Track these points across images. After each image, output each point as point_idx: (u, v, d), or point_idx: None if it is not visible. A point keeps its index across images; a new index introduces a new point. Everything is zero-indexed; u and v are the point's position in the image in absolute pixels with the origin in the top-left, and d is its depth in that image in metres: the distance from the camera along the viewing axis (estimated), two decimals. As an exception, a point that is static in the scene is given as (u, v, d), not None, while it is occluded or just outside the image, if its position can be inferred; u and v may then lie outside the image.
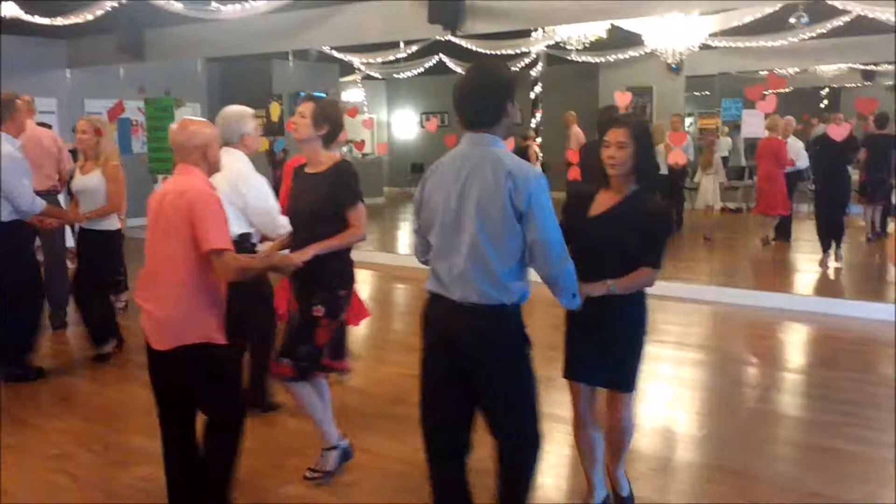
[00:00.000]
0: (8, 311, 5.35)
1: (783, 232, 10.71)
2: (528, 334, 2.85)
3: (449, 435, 2.95)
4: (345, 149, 15.22)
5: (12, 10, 9.41)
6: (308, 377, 3.72)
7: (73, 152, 6.76)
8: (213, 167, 3.33)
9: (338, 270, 3.71)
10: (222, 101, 13.89)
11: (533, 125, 14.91)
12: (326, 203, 3.63)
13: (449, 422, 2.93)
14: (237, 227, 4.06)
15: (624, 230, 3.07)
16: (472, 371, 2.80)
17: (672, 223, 3.28)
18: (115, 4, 9.17)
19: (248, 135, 4.30)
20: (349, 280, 3.78)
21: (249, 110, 4.39)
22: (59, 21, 9.90)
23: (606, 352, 3.20)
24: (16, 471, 4.04)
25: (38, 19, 9.81)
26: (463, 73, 2.86)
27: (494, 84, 2.77)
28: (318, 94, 14.51)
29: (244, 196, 4.12)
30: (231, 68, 14.76)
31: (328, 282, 3.66)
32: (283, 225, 4.14)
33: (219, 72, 14.91)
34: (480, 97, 2.75)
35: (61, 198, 7.00)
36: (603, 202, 3.18)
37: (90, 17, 9.59)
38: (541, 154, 13.24)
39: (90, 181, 5.67)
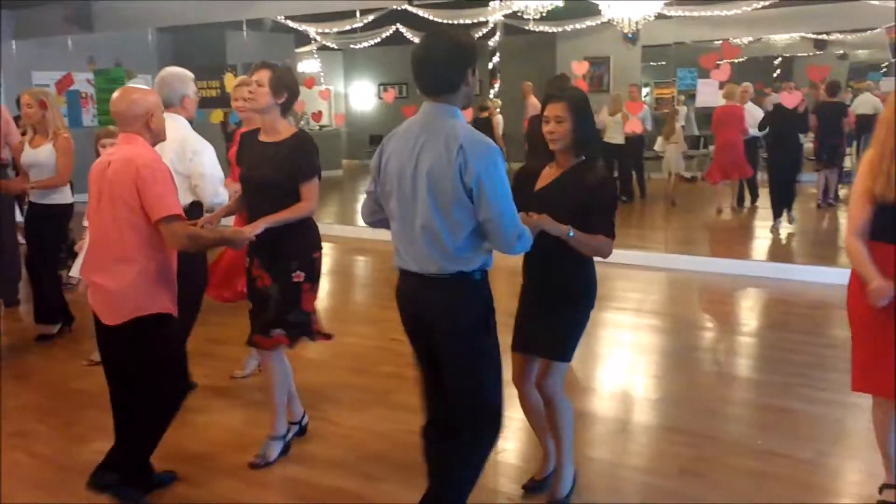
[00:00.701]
0: None
1: (752, 193, 10.99)
2: (494, 307, 2.82)
3: (436, 410, 2.92)
4: (302, 121, 15.04)
5: (-47, -21, 9.11)
6: (298, 341, 3.75)
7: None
8: (156, 135, 3.27)
9: (306, 234, 3.68)
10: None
11: (492, 95, 14.88)
12: (286, 174, 3.56)
13: (435, 397, 2.90)
14: (186, 197, 4.04)
15: (565, 203, 3.07)
16: (438, 342, 2.79)
17: (614, 192, 3.31)
18: (62, -28, 8.91)
19: (189, 97, 4.31)
20: (318, 242, 3.76)
21: (189, 73, 4.37)
22: (3, -10, 9.60)
23: (542, 321, 3.23)
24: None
25: (-20, -12, 9.51)
26: (421, 39, 2.78)
27: (454, 51, 2.67)
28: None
29: (189, 162, 4.13)
30: (183, 38, 14.42)
31: (299, 246, 3.64)
32: (222, 194, 4.18)
33: (171, 42, 14.58)
34: (439, 64, 2.67)
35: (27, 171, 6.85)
36: (547, 177, 3.23)
37: (35, -15, 9.32)
38: (503, 124, 13.22)
39: (41, 155, 5.54)
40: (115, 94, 3.24)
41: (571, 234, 3.00)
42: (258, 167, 3.63)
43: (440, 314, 2.75)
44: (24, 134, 6.00)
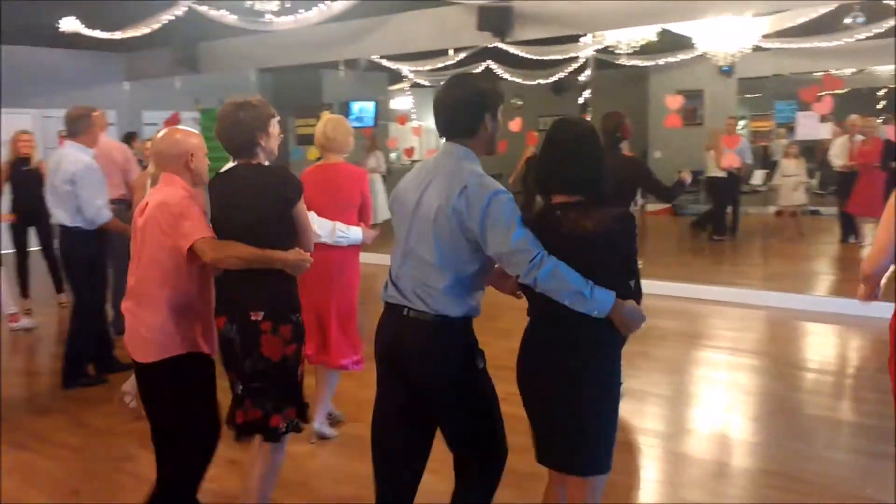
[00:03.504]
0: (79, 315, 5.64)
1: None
2: (480, 348, 2.77)
3: (399, 462, 2.86)
4: (393, 156, 15.36)
5: (72, 25, 9.73)
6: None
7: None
8: (197, 176, 3.25)
9: None
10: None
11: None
12: None
13: (399, 447, 2.84)
14: None
15: None
16: (419, 386, 2.73)
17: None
18: (171, 18, 9.40)
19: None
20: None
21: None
22: (117, 35, 10.19)
23: None
24: (82, 471, 4.20)
25: (97, 33, 10.11)
26: (444, 83, 2.80)
27: (471, 96, 2.69)
28: (366, 101, 14.67)
29: None
30: (282, 78, 15.01)
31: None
32: None
33: (271, 82, 15.17)
34: (452, 107, 2.70)
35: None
36: None
37: (147, 30, 9.85)
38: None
39: None
40: (158, 134, 3.29)
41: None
42: None
43: (420, 357, 2.69)
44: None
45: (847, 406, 5.20)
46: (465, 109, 2.68)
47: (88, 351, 5.76)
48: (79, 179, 5.39)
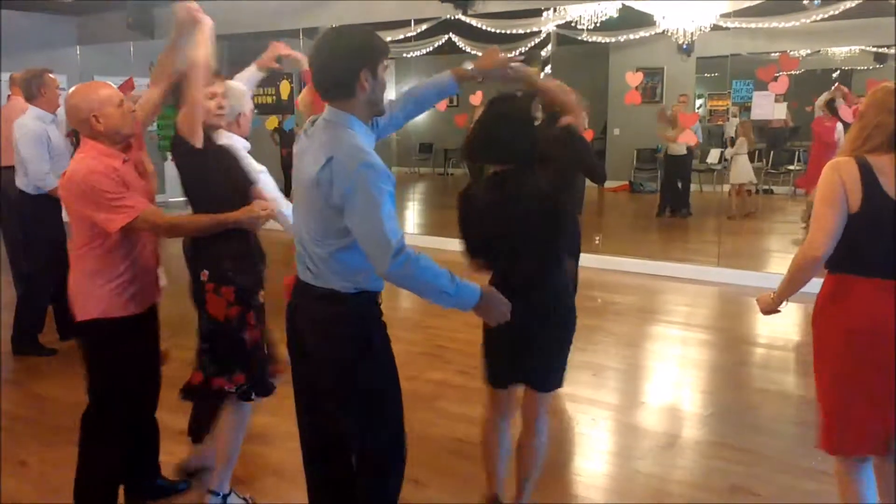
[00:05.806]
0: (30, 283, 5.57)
1: None
2: (375, 335, 2.57)
3: (316, 438, 2.69)
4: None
5: (23, -14, 9.44)
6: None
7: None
8: (114, 135, 2.95)
9: None
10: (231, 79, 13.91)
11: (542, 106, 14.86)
12: None
13: (313, 423, 2.67)
14: None
15: None
16: (311, 367, 2.54)
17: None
18: (126, -19, 9.18)
19: (245, 114, 4.08)
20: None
21: (247, 89, 4.24)
22: (69, -3, 9.92)
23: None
24: (32, 443, 4.14)
25: (48, -5, 9.84)
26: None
27: (341, 50, 2.36)
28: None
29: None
30: (240, 46, 14.70)
31: None
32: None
33: (227, 49, 14.88)
34: (326, 64, 2.38)
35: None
36: None
37: (101, -7, 9.60)
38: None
39: None
40: (69, 91, 3.02)
41: None
42: None
43: (310, 332, 2.51)
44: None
45: (794, 380, 5.34)
46: (337, 66, 2.37)
47: (38, 318, 5.65)
48: (22, 145, 5.26)
